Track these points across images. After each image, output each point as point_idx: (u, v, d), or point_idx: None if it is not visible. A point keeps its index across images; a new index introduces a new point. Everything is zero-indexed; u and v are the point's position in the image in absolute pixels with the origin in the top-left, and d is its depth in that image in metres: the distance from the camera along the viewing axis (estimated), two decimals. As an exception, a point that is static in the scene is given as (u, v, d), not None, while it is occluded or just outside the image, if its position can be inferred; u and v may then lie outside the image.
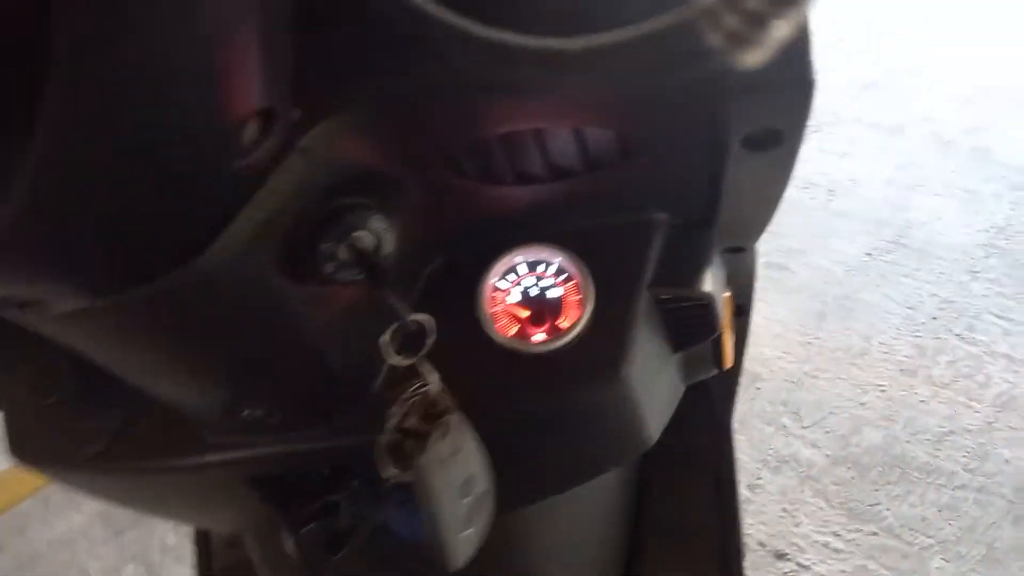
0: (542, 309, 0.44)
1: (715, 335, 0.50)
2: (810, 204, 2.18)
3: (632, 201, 0.45)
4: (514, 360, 0.43)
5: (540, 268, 0.45)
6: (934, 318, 1.73)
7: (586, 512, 0.65)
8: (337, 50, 0.32)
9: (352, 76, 0.33)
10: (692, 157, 0.41)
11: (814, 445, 1.49)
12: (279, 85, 0.28)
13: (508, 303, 0.45)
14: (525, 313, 0.45)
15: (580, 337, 0.42)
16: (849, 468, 1.45)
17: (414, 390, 0.35)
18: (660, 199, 0.45)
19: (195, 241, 0.29)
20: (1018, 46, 2.72)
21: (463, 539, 0.37)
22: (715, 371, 0.59)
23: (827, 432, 1.51)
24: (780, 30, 0.19)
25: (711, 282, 0.47)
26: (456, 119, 0.38)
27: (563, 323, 0.44)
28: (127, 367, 0.38)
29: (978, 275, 1.83)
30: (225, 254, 0.30)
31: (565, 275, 0.45)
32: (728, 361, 0.59)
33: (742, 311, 0.64)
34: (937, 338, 1.67)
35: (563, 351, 0.42)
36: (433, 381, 0.34)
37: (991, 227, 1.98)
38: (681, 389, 0.57)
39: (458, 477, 0.36)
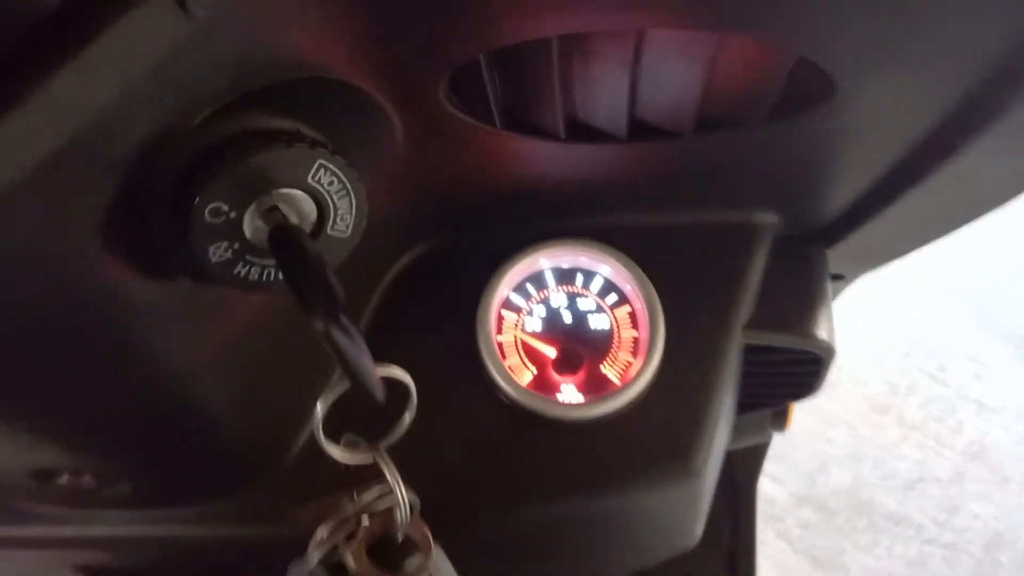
0: (577, 347, 0.27)
1: (811, 394, 0.34)
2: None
3: (735, 188, 0.28)
4: (528, 428, 0.26)
5: (578, 281, 0.28)
6: (906, 354, 1.64)
7: None
8: None
9: None
10: (896, 110, 0.25)
11: (778, 480, 1.38)
12: None
13: (525, 332, 0.28)
14: (551, 351, 0.28)
15: (636, 402, 0.26)
16: (814, 510, 1.34)
17: (363, 504, 0.17)
18: (781, 189, 0.28)
19: None
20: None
21: None
22: (769, 436, 0.44)
23: (793, 468, 1.40)
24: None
25: (826, 324, 0.31)
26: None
27: (609, 373, 0.27)
28: None
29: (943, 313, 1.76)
30: None
31: (617, 296, 0.28)
32: (790, 423, 0.43)
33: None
34: (908, 376, 1.58)
35: (608, 421, 0.26)
36: (400, 502, 0.17)
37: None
38: (723, 457, 0.41)
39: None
